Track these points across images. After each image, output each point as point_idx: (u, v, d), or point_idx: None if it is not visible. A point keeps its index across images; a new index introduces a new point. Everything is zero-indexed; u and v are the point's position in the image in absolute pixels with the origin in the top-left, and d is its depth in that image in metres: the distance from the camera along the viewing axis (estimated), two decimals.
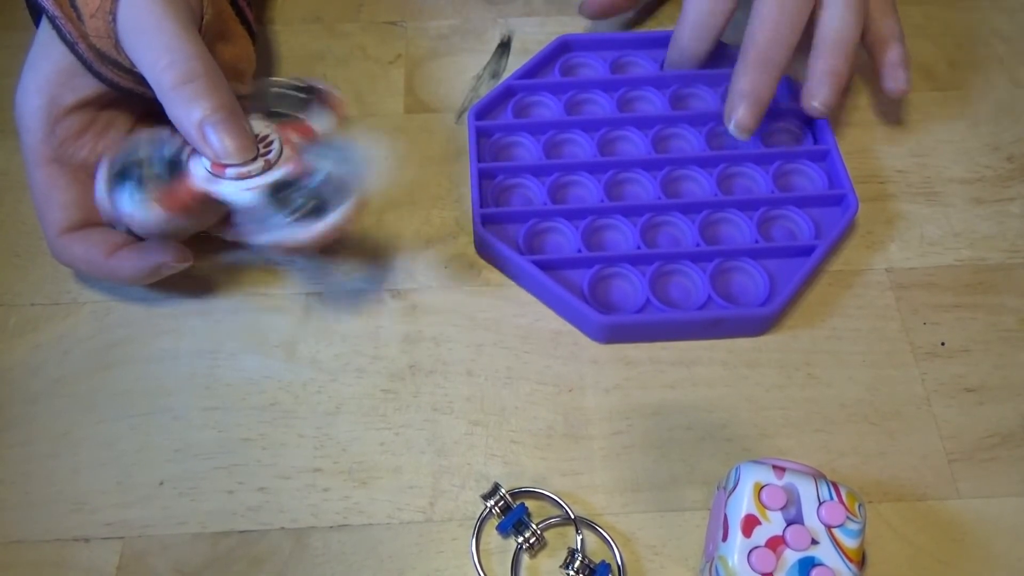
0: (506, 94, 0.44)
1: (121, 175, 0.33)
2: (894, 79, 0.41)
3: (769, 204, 0.39)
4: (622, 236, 0.39)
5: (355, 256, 0.40)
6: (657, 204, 0.39)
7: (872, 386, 0.36)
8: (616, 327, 0.36)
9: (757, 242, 0.38)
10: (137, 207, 0.32)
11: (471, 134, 0.41)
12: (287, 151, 0.34)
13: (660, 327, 0.37)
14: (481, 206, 0.39)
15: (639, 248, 0.38)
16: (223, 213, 0.36)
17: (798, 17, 0.38)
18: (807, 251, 0.38)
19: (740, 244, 0.38)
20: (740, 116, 0.38)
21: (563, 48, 0.45)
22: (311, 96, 0.36)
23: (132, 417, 0.36)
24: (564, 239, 0.39)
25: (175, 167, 0.33)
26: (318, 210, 0.32)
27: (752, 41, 0.38)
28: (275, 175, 0.33)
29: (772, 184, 0.40)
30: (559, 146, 0.42)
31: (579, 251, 0.38)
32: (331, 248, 0.40)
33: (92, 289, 0.39)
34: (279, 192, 0.33)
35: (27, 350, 0.37)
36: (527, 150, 0.42)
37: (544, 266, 0.37)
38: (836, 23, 0.38)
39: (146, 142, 0.34)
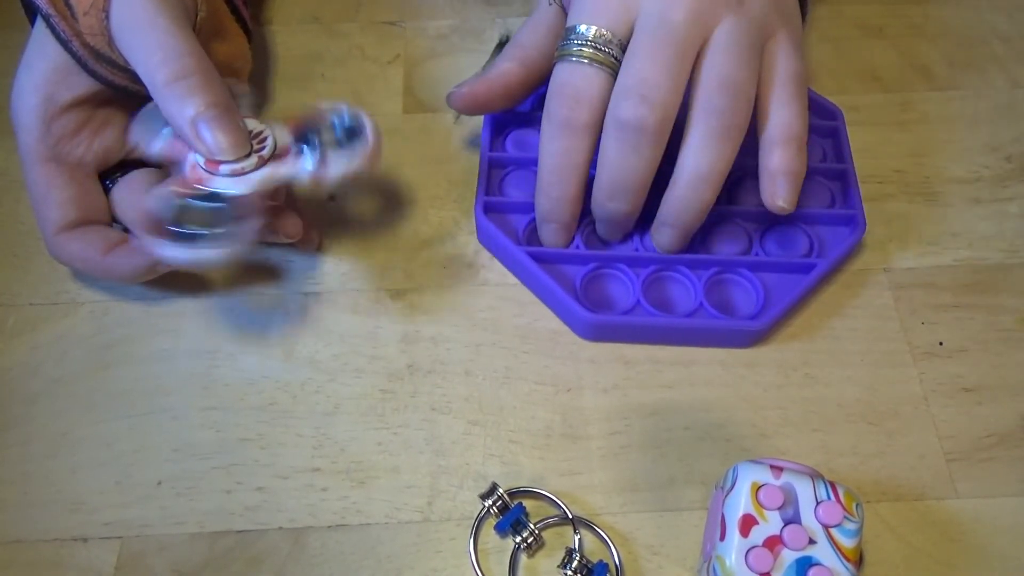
0: None
1: (180, 235, 0.32)
2: (770, 192, 0.34)
3: (775, 216, 0.38)
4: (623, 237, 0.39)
5: (353, 255, 0.40)
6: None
7: (870, 386, 0.36)
8: (603, 326, 0.36)
9: (756, 254, 0.38)
10: (218, 241, 0.32)
11: (486, 122, 0.41)
12: (281, 147, 0.34)
13: (647, 330, 0.37)
14: (486, 194, 0.39)
15: (637, 250, 0.38)
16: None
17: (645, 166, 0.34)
18: (806, 268, 0.37)
19: (739, 255, 0.38)
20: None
21: None
22: (353, 139, 0.35)
23: (130, 417, 0.36)
24: None
25: (213, 196, 0.33)
26: (352, 136, 0.33)
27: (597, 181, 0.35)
28: (269, 170, 0.33)
29: None
30: None
31: (576, 247, 0.38)
32: (330, 243, 0.40)
33: (90, 289, 0.39)
34: (310, 139, 0.33)
35: (26, 350, 0.37)
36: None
37: (539, 259, 0.37)
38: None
39: (170, 197, 0.33)
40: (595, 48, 0.33)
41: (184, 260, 0.32)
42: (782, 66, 0.34)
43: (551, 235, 0.38)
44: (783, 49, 0.34)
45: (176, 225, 0.32)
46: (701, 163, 0.33)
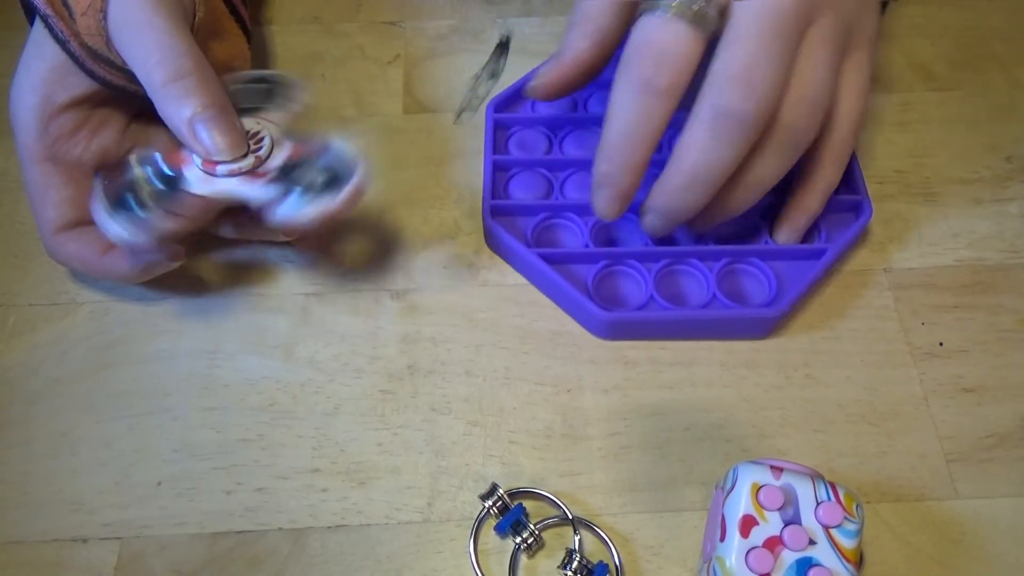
0: None
1: (119, 201, 0.32)
2: (783, 232, 0.38)
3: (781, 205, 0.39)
4: (629, 233, 0.39)
5: (354, 256, 0.40)
6: None
7: (870, 386, 0.36)
8: (618, 323, 0.36)
9: (766, 243, 0.38)
10: (142, 227, 0.32)
11: (488, 125, 0.42)
12: (278, 145, 0.34)
13: (663, 325, 0.37)
14: (492, 197, 0.39)
15: (646, 245, 0.38)
16: (219, 210, 0.36)
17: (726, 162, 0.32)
18: (816, 254, 0.37)
19: (748, 244, 0.38)
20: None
21: None
22: (270, 86, 0.36)
23: (130, 417, 0.36)
24: (572, 234, 0.39)
25: (173, 181, 0.33)
26: (331, 183, 0.32)
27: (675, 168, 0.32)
28: (235, 183, 0.33)
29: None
30: (574, 142, 0.42)
31: (586, 246, 0.38)
32: (331, 243, 0.40)
33: (90, 289, 0.39)
34: (290, 173, 0.33)
35: (25, 350, 0.37)
36: (542, 145, 0.42)
37: (550, 260, 0.37)
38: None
39: (136, 163, 0.34)
40: (689, 2, 0.29)
41: (104, 227, 0.32)
42: (849, 105, 0.34)
43: (604, 202, 0.34)
44: (857, 78, 0.34)
45: (124, 190, 0.32)
46: (763, 173, 0.33)
